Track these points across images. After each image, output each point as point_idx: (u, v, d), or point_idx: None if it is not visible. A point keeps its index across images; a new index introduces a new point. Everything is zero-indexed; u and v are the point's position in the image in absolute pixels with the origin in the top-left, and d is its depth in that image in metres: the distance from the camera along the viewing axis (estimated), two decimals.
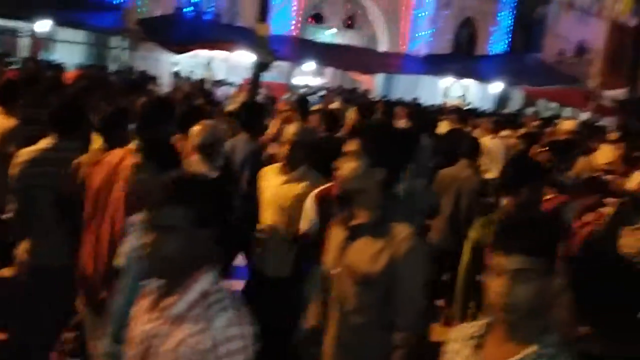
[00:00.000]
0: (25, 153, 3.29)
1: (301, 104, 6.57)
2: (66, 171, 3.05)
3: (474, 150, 5.02)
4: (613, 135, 7.03)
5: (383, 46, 22.98)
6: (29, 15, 16.12)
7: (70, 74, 6.87)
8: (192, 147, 3.44)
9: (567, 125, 5.00)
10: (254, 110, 4.96)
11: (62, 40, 17.97)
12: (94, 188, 2.86)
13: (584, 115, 14.92)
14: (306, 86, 18.80)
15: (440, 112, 11.35)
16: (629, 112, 15.10)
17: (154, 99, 4.21)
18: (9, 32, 18.36)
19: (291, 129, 3.45)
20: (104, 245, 2.75)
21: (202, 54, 18.25)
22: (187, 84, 13.25)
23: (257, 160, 4.15)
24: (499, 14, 24.84)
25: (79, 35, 18.85)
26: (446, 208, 4.78)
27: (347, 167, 2.12)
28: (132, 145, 2.85)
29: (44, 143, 3.32)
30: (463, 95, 20.98)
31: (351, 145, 2.12)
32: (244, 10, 19.63)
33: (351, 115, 6.72)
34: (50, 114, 3.36)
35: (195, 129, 3.47)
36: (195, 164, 3.37)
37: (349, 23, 26.16)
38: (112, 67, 16.63)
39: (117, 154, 2.90)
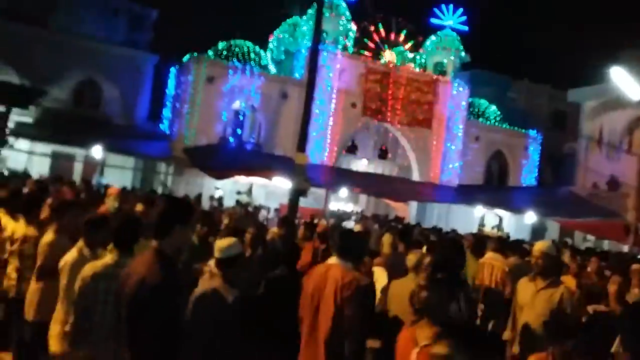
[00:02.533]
0: (89, 268, 3.45)
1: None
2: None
3: None
4: None
5: (415, 176, 23.58)
6: (84, 142, 17.40)
7: (112, 190, 7.60)
8: None
9: (539, 245, 4.85)
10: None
11: (113, 165, 19.10)
12: (309, 294, 3.58)
13: (625, 248, 14.75)
14: (342, 211, 19.19)
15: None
16: None
17: None
18: (65, 157, 19.69)
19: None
20: (321, 345, 3.46)
21: (243, 180, 19.02)
22: (232, 209, 13.65)
23: None
24: (528, 148, 25.46)
25: (128, 160, 20.04)
26: None
27: None
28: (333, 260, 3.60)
29: (107, 258, 3.51)
30: (499, 224, 20.95)
31: None
32: (283, 140, 20.70)
33: (387, 239, 6.97)
34: (113, 233, 3.64)
35: None
36: None
37: (382, 154, 27.19)
38: (158, 190, 17.42)
39: (323, 266, 3.67)
